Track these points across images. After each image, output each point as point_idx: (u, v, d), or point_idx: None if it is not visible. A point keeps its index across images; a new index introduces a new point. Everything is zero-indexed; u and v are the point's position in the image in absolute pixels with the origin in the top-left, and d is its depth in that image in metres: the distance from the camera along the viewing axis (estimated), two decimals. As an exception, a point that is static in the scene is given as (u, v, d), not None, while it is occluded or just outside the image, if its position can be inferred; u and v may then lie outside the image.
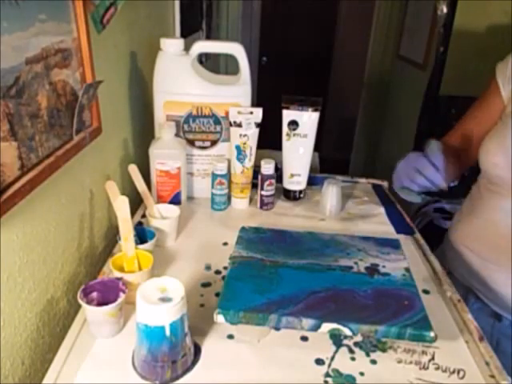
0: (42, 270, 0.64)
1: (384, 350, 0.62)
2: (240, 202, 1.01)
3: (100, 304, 0.60)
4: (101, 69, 0.77)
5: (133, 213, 0.83)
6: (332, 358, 0.60)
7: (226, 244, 0.85)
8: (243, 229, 0.82)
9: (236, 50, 0.95)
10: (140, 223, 0.87)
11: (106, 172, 0.88)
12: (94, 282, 0.63)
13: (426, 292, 0.74)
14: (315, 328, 0.60)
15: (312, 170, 1.05)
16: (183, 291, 0.54)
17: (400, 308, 0.62)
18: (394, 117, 2.73)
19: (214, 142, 1.00)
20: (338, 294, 0.64)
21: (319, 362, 0.59)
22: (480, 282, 0.85)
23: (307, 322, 0.59)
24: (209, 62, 1.96)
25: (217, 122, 0.98)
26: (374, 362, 0.60)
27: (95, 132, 0.77)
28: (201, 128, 0.98)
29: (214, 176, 0.96)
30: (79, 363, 0.57)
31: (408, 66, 2.45)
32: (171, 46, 0.93)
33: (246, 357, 0.60)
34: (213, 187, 0.97)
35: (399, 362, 0.60)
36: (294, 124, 0.99)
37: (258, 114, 0.95)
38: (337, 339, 0.63)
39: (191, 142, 0.99)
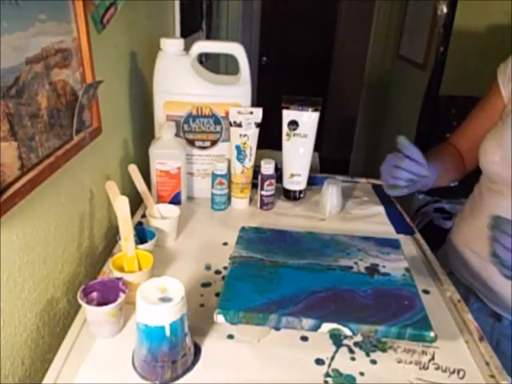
0: (41, 270, 0.64)
1: (384, 350, 0.62)
2: (240, 202, 1.01)
3: (100, 304, 0.60)
4: (101, 69, 0.77)
5: (133, 213, 0.83)
6: (332, 358, 0.60)
7: (226, 244, 0.85)
8: (243, 229, 0.82)
9: (236, 49, 0.95)
10: (140, 223, 0.87)
11: (106, 172, 0.88)
12: (94, 282, 0.63)
13: (425, 292, 0.74)
14: (315, 328, 0.60)
15: (312, 170, 1.05)
16: (183, 291, 0.54)
17: (400, 308, 0.62)
18: (394, 117, 2.73)
19: (214, 142, 1.00)
20: (338, 294, 0.64)
21: (319, 361, 0.59)
22: (480, 282, 0.85)
23: (307, 322, 0.59)
24: (209, 62, 1.96)
25: (217, 121, 0.98)
26: (373, 362, 0.60)
27: (95, 132, 0.77)
28: (201, 128, 0.98)
29: (214, 176, 0.96)
30: (79, 363, 0.57)
31: (408, 66, 2.45)
32: (171, 46, 0.93)
33: (246, 357, 0.60)
34: (213, 187, 0.97)
35: (399, 362, 0.60)
36: (293, 124, 0.99)
37: (258, 114, 0.95)
38: (337, 339, 0.63)
39: (191, 142, 0.99)
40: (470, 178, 0.94)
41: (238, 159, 0.97)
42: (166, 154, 0.92)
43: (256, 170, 0.99)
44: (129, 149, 1.02)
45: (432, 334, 0.58)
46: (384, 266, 0.72)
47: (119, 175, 0.95)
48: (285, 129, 1.00)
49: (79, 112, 0.69)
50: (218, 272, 0.77)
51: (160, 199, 0.95)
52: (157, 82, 0.95)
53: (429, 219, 1.72)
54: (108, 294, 0.62)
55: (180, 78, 0.94)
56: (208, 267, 0.78)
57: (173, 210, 0.85)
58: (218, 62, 2.52)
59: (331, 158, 2.55)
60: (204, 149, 1.00)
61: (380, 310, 0.61)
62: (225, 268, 0.77)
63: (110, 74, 0.86)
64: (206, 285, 0.74)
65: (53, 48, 0.61)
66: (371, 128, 3.01)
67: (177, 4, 1.42)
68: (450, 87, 1.92)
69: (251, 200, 1.03)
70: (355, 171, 3.05)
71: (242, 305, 0.61)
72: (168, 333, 0.52)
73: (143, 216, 0.92)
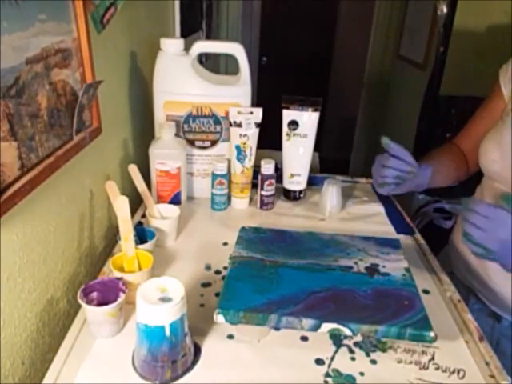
0: (42, 270, 0.64)
1: (384, 350, 0.62)
2: (240, 202, 1.01)
3: (100, 304, 0.60)
4: (101, 69, 0.77)
5: (133, 213, 0.83)
6: (332, 358, 0.60)
7: (226, 244, 0.85)
8: (243, 229, 0.82)
9: (236, 49, 0.95)
10: (140, 223, 0.87)
11: (106, 172, 0.88)
12: (94, 282, 0.63)
13: (425, 292, 0.74)
14: (315, 328, 0.60)
15: (312, 169, 1.05)
16: (183, 291, 0.54)
17: (400, 308, 0.62)
18: (394, 117, 2.73)
19: (214, 142, 1.00)
20: (338, 294, 0.64)
21: (319, 361, 0.59)
22: (480, 282, 0.85)
23: (307, 322, 0.59)
24: (209, 62, 1.96)
25: (217, 121, 0.98)
26: (373, 361, 0.60)
27: (95, 132, 0.77)
28: (201, 128, 0.98)
29: (214, 176, 0.96)
30: (79, 363, 0.57)
31: (408, 66, 2.45)
32: (171, 46, 0.93)
33: (246, 357, 0.60)
34: (213, 187, 0.97)
35: (399, 362, 0.60)
36: (293, 124, 0.99)
37: (258, 114, 0.95)
38: (337, 339, 0.63)
39: (191, 142, 0.99)
40: (472, 179, 0.94)
41: (238, 159, 0.97)
42: (166, 153, 0.92)
43: (256, 169, 0.99)
44: (129, 149, 1.02)
45: (432, 334, 0.58)
46: (384, 266, 0.72)
47: (119, 175, 0.95)
48: (285, 129, 1.00)
49: (79, 112, 0.69)
50: (217, 272, 0.77)
51: (160, 199, 0.95)
52: (157, 82, 0.95)
53: (429, 219, 1.72)
54: (108, 293, 0.62)
55: (180, 78, 0.94)
56: (208, 267, 0.78)
57: (173, 210, 0.85)
58: (218, 62, 2.52)
59: (331, 158, 2.55)
60: (204, 149, 1.00)
61: (380, 310, 0.61)
62: (225, 268, 0.77)
63: (110, 74, 0.86)
64: (205, 285, 0.74)
65: (53, 48, 0.61)
66: (371, 128, 3.01)
67: (177, 4, 1.42)
68: (450, 87, 1.92)
69: (251, 200, 1.03)
70: (355, 171, 3.05)
71: (241, 305, 0.61)
72: (168, 333, 0.52)
73: (143, 216, 0.92)
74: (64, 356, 0.58)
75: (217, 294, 0.71)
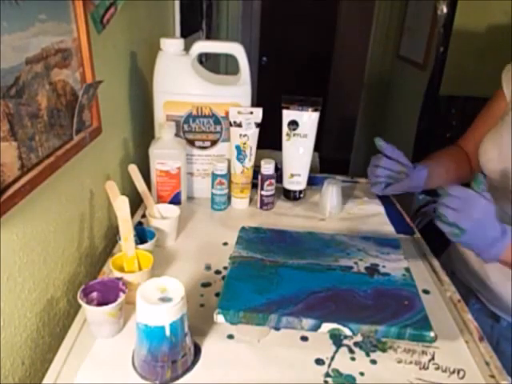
0: (42, 270, 0.64)
1: (384, 350, 0.62)
2: (240, 202, 1.01)
3: (100, 304, 0.60)
4: (101, 69, 0.77)
5: (133, 213, 0.83)
6: (332, 358, 0.60)
7: (226, 244, 0.85)
8: (243, 229, 0.82)
9: (236, 50, 0.95)
10: (140, 223, 0.87)
11: (106, 172, 0.88)
12: (94, 282, 0.63)
13: (426, 292, 0.74)
14: (315, 328, 0.60)
15: (312, 169, 1.05)
16: (183, 291, 0.54)
17: (400, 308, 0.62)
18: (394, 117, 2.73)
19: (214, 142, 1.00)
20: (338, 294, 0.64)
21: (319, 361, 0.59)
22: (479, 282, 0.85)
23: (307, 322, 0.59)
24: (209, 62, 1.96)
25: (217, 121, 0.98)
26: (373, 361, 0.60)
27: (95, 132, 0.77)
28: (201, 128, 0.98)
29: (214, 176, 0.96)
30: (79, 363, 0.57)
31: (408, 66, 2.45)
32: (171, 46, 0.93)
33: (246, 357, 0.60)
34: (213, 187, 0.97)
35: (399, 362, 0.60)
36: (293, 124, 0.99)
37: (258, 114, 0.95)
38: (337, 339, 0.63)
39: (191, 142, 0.99)
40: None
41: (238, 159, 0.97)
42: (166, 153, 0.92)
43: (256, 170, 0.99)
44: (129, 149, 1.02)
45: (432, 334, 0.58)
46: (384, 266, 0.72)
47: (119, 175, 0.95)
48: (285, 129, 1.00)
49: (79, 112, 0.69)
50: (217, 272, 0.77)
51: (160, 199, 0.95)
52: (157, 82, 0.95)
53: (429, 219, 1.72)
54: (108, 294, 0.62)
55: (180, 78, 0.94)
56: (208, 267, 0.78)
57: (173, 210, 0.85)
58: (218, 62, 2.52)
59: (331, 158, 2.55)
60: (204, 149, 1.00)
61: (380, 310, 0.61)
62: (225, 268, 0.77)
63: (110, 74, 0.86)
64: (206, 285, 0.74)
65: (53, 48, 0.61)
66: (371, 128, 3.01)
67: (177, 4, 1.42)
68: (450, 87, 1.92)
69: (251, 200, 1.03)
70: (355, 171, 3.04)
71: (241, 305, 0.61)
72: (168, 333, 0.52)
73: (143, 216, 0.92)
74: (64, 356, 0.58)
75: (217, 294, 0.71)
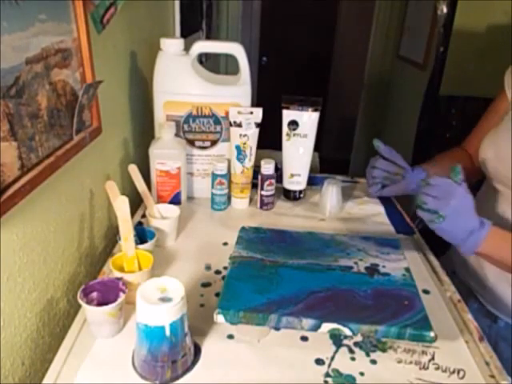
0: (42, 270, 0.64)
1: (384, 350, 0.62)
2: (240, 202, 1.01)
3: (100, 304, 0.60)
4: (101, 69, 0.77)
5: (133, 213, 0.83)
6: (332, 358, 0.60)
7: (226, 244, 0.85)
8: (243, 229, 0.82)
9: (236, 50, 0.95)
10: (140, 223, 0.87)
11: (106, 172, 0.88)
12: (94, 282, 0.63)
13: (425, 292, 0.74)
14: (315, 328, 0.60)
15: (312, 170, 1.05)
16: (183, 291, 0.54)
17: (400, 308, 0.62)
18: (394, 117, 2.73)
19: (214, 142, 1.00)
20: (338, 294, 0.64)
21: (319, 361, 0.59)
22: (477, 282, 0.85)
23: (307, 322, 0.59)
24: (209, 62, 1.96)
25: (217, 121, 0.98)
26: (373, 361, 0.60)
27: (95, 132, 0.77)
28: (201, 128, 0.98)
29: (214, 176, 0.96)
30: (79, 363, 0.57)
31: (408, 66, 2.45)
32: (171, 45, 0.93)
33: (246, 357, 0.60)
34: (213, 187, 0.97)
35: (399, 362, 0.60)
36: (293, 124, 0.99)
37: (258, 114, 0.95)
38: (337, 339, 0.63)
39: (191, 142, 0.99)
40: (478, 181, 0.94)
41: (238, 159, 0.97)
42: (166, 154, 0.92)
43: (256, 170, 0.99)
44: (129, 149, 1.02)
45: (432, 334, 0.58)
46: (384, 266, 0.72)
47: (119, 175, 0.95)
48: (285, 129, 1.00)
49: (79, 112, 0.69)
50: (217, 272, 0.77)
51: (160, 199, 0.95)
52: (157, 82, 0.95)
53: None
54: (108, 294, 0.62)
55: (180, 78, 0.94)
56: (208, 267, 0.78)
57: (173, 210, 0.85)
58: (218, 62, 2.52)
59: (331, 158, 2.55)
60: (204, 149, 1.00)
61: (380, 310, 0.61)
62: (225, 268, 0.77)
63: (110, 73, 0.86)
64: (206, 285, 0.74)
65: (53, 48, 0.61)
66: (371, 128, 3.01)
67: (177, 4, 1.42)
68: (450, 87, 1.92)
69: (251, 200, 1.03)
70: (355, 171, 3.05)
71: (241, 305, 0.61)
72: (168, 333, 0.52)
73: (143, 216, 0.92)
74: (64, 356, 0.58)
75: (217, 294, 0.71)
